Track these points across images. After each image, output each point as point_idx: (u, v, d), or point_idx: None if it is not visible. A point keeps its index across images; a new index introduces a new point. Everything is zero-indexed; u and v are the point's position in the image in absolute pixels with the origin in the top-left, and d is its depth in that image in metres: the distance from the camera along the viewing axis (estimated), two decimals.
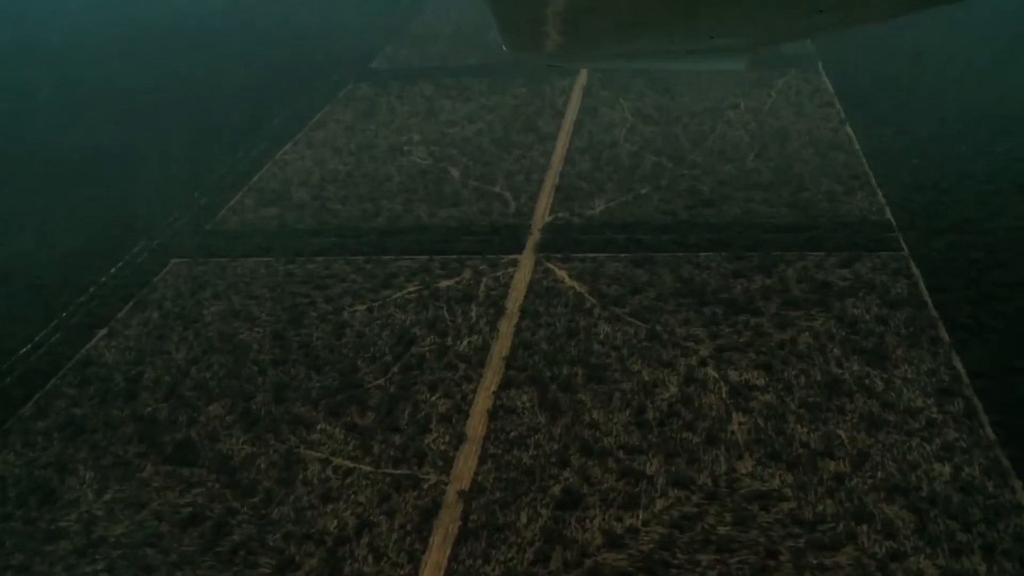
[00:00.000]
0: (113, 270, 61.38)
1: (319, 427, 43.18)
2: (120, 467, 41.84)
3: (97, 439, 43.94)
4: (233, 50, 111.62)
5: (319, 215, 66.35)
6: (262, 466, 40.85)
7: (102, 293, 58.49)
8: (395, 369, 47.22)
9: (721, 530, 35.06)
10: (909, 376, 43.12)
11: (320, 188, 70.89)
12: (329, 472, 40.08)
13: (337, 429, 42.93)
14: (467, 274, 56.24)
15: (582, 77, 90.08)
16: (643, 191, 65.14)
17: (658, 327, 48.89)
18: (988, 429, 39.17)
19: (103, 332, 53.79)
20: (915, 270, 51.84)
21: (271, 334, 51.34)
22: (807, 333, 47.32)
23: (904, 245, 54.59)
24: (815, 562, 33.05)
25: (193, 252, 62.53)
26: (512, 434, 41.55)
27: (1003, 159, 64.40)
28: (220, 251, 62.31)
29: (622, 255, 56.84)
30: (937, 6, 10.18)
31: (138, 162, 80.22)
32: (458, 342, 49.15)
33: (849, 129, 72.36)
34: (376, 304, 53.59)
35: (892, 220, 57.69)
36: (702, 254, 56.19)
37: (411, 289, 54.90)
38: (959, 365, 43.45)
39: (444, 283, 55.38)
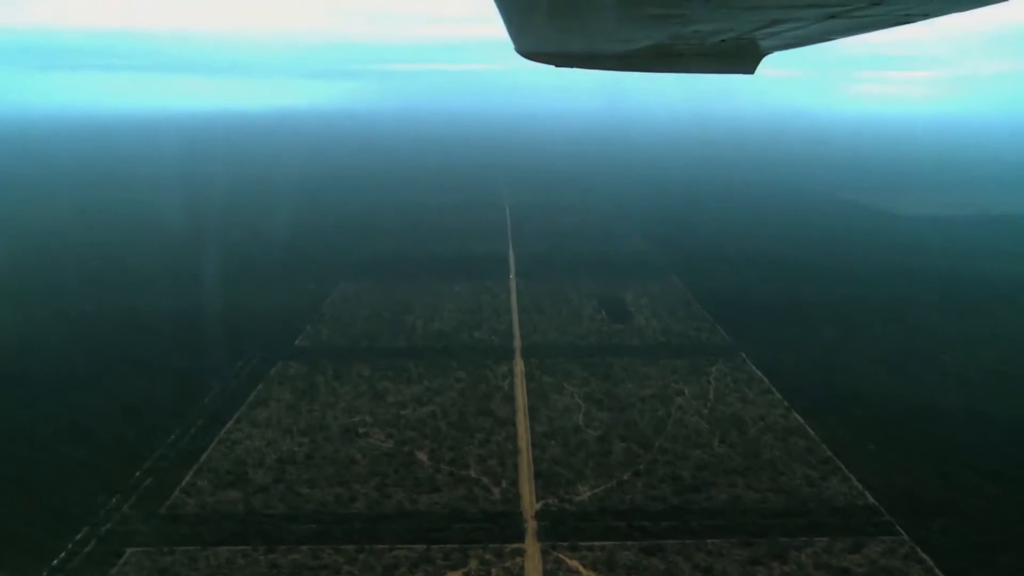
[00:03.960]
0: (55, 562, 54.00)
1: None
2: None
3: None
4: (151, 324, 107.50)
5: (289, 499, 61.79)
6: None
7: None
8: None
9: None
10: None
11: (280, 470, 66.55)
12: None
13: None
14: (474, 564, 52.95)
15: (519, 363, 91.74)
16: (624, 477, 64.90)
17: None
18: None
19: None
20: (924, 555, 52.93)
21: None
22: None
23: (901, 530, 56.02)
24: None
25: (152, 540, 56.14)
26: None
27: (947, 442, 69.23)
28: (185, 539, 56.24)
29: (629, 543, 55.47)
30: (940, 16, 10.49)
31: (61, 439, 73.40)
32: None
33: (797, 416, 75.96)
34: None
35: (877, 504, 59.53)
36: (709, 541, 55.56)
37: None
38: None
39: (452, 575, 51.70)
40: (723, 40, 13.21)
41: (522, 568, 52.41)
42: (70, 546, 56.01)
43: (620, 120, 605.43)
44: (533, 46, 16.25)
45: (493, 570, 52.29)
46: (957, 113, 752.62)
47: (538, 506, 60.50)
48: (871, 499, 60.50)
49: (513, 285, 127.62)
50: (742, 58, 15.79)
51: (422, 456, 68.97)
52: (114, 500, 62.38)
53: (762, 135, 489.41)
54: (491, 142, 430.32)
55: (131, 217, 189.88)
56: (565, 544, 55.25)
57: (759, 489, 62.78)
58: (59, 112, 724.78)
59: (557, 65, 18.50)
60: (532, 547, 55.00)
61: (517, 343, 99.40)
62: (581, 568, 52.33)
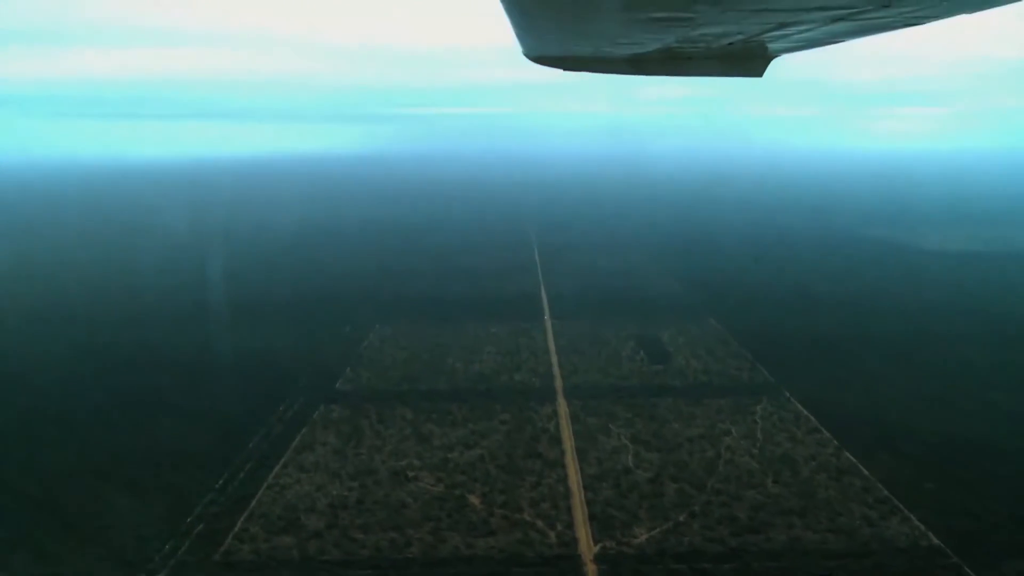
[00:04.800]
0: None
1: None
2: None
3: None
4: (190, 370, 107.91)
5: (344, 545, 61.46)
6: None
7: None
8: None
9: None
10: None
11: (333, 515, 66.27)
12: None
13: None
14: None
15: (563, 405, 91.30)
16: (680, 518, 64.20)
17: None
18: None
19: None
20: None
21: None
22: None
23: (972, 573, 54.93)
24: None
25: None
26: None
27: (1010, 482, 68.13)
28: None
29: None
30: (947, 18, 10.47)
31: (110, 485, 73.48)
32: None
33: (848, 454, 75.07)
34: None
35: (943, 545, 58.50)
36: None
37: None
38: None
39: None
40: (731, 43, 13.27)
41: None
42: None
43: (639, 161, 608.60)
44: (541, 50, 16.23)
45: None
46: (972, 149, 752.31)
47: (596, 549, 59.95)
48: (935, 540, 59.54)
49: (549, 326, 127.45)
50: (750, 61, 15.95)
51: (474, 499, 68.54)
52: (167, 547, 62.28)
53: (781, 173, 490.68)
54: (513, 184, 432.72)
55: (162, 262, 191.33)
56: None
57: (818, 530, 61.93)
58: (89, 160, 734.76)
59: (565, 69, 18.43)
60: None
61: (559, 384, 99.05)
62: None
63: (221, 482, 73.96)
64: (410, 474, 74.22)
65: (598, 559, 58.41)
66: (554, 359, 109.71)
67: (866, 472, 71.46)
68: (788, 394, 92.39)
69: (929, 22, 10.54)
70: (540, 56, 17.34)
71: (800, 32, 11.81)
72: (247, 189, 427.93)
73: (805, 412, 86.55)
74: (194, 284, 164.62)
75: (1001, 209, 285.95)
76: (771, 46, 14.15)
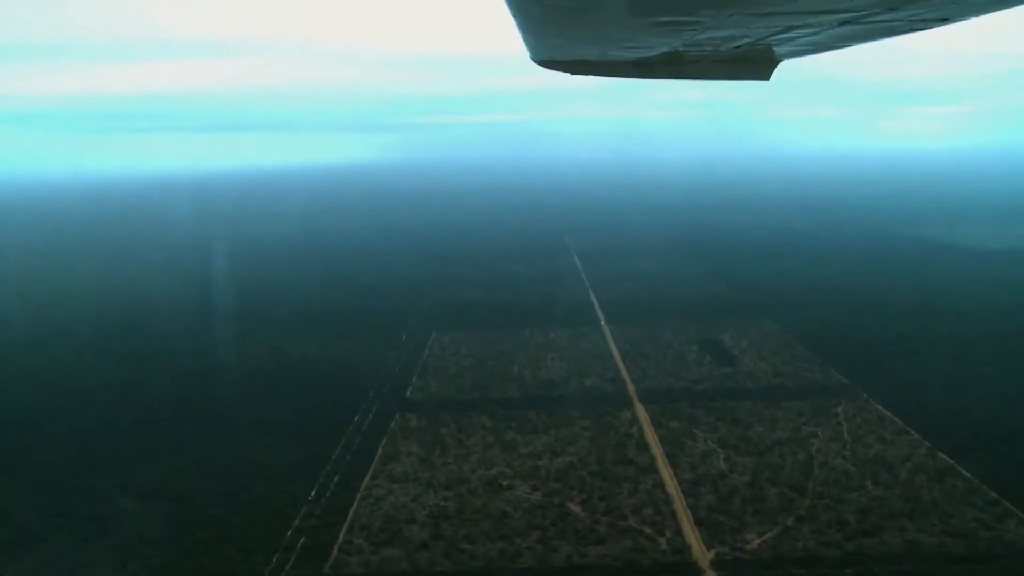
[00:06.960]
0: None
1: None
2: None
3: None
4: (259, 383, 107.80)
5: (454, 556, 61.11)
6: None
7: None
8: None
9: None
10: None
11: (435, 526, 65.91)
12: None
13: None
14: None
15: (641, 410, 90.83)
16: (788, 523, 63.64)
17: None
18: None
19: None
20: None
21: None
22: None
23: None
24: None
25: None
26: None
27: None
28: None
29: None
30: (957, 21, 10.15)
31: (205, 500, 73.42)
32: None
33: (944, 456, 74.35)
34: None
35: None
36: None
37: None
38: None
39: None
40: (738, 46, 13.22)
41: None
42: None
43: (660, 165, 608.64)
44: (547, 54, 16.23)
45: None
46: (992, 145, 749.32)
47: (711, 555, 59.41)
48: None
49: (608, 331, 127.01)
50: (757, 64, 15.85)
51: (575, 507, 68.14)
52: (275, 560, 62.06)
53: (805, 174, 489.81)
54: (538, 191, 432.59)
55: (208, 276, 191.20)
56: None
57: (933, 532, 61.28)
58: (109, 174, 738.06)
59: (572, 73, 18.36)
60: None
61: (631, 389, 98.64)
62: None
63: (314, 494, 73.74)
64: (504, 483, 73.85)
65: (715, 565, 57.94)
66: (620, 364, 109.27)
67: (967, 474, 70.69)
68: (866, 395, 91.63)
69: (936, 26, 10.54)
70: (547, 60, 17.35)
71: (806, 36, 11.78)
72: (282, 200, 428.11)
73: (888, 413, 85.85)
74: (243, 296, 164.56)
75: None
76: (778, 50, 14.08)
